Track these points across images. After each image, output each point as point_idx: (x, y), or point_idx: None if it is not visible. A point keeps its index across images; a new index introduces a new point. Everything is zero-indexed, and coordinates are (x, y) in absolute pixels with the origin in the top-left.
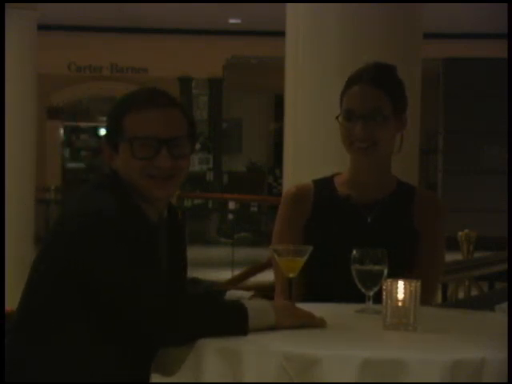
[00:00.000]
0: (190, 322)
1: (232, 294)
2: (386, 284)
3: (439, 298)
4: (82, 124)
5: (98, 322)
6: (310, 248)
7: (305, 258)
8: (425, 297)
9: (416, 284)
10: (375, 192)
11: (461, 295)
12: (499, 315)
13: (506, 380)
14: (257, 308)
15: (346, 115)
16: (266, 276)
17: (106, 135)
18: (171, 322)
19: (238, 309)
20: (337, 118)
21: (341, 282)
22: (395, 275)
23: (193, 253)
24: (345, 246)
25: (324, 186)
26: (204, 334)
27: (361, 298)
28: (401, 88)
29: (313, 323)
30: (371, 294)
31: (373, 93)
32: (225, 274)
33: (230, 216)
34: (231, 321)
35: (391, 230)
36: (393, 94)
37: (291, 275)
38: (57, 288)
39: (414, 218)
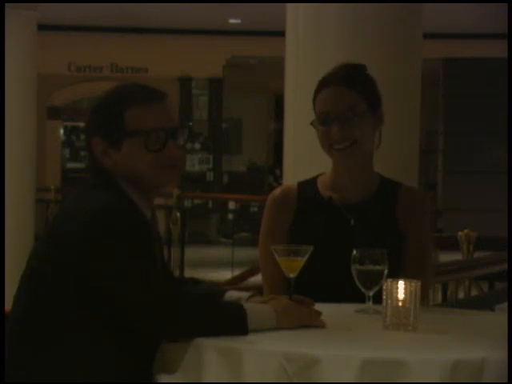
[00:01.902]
0: (190, 322)
1: (232, 294)
2: (386, 284)
3: (439, 297)
4: (82, 124)
5: (99, 322)
6: (311, 248)
7: (305, 258)
8: None
9: (416, 284)
10: (358, 192)
11: (461, 295)
12: (499, 315)
13: (506, 380)
14: (258, 312)
15: (320, 119)
16: None
17: (99, 131)
18: (172, 320)
19: (237, 312)
20: (311, 123)
21: (329, 283)
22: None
23: (193, 253)
24: (329, 249)
25: (307, 187)
26: (203, 335)
27: (351, 298)
28: (372, 85)
29: (313, 324)
30: (371, 294)
31: (343, 93)
32: (225, 274)
33: (230, 216)
34: (231, 324)
35: (375, 231)
36: (364, 91)
37: (291, 275)
38: (58, 288)
39: (398, 216)
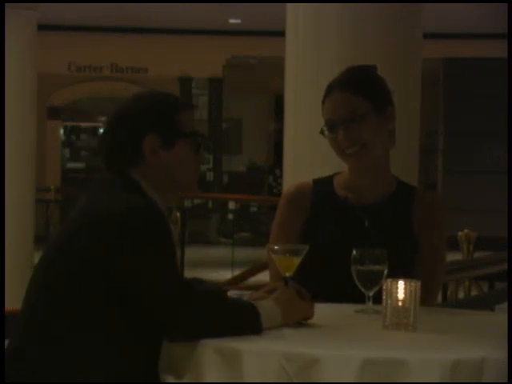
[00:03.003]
0: (203, 322)
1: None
2: (386, 284)
3: (439, 297)
4: (82, 124)
5: (102, 322)
6: (306, 247)
7: (301, 257)
8: (426, 301)
9: (416, 284)
10: (374, 193)
11: (461, 295)
12: (499, 315)
13: (506, 380)
14: (265, 309)
15: (327, 127)
16: (266, 276)
17: (153, 130)
18: (187, 319)
19: (251, 312)
20: (321, 132)
21: (337, 284)
22: (395, 277)
23: (193, 253)
24: (342, 249)
25: (323, 186)
26: (217, 333)
27: (359, 300)
28: (379, 84)
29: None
30: (371, 294)
31: (346, 97)
32: (225, 274)
33: (230, 216)
34: (245, 321)
35: (389, 234)
36: (368, 92)
37: (287, 274)
38: (64, 288)
39: (413, 220)
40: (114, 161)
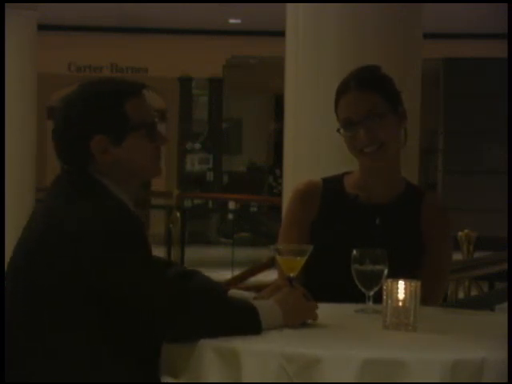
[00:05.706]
0: (201, 321)
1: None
2: (387, 284)
3: None
4: None
5: (102, 322)
6: (311, 247)
7: (305, 258)
8: (431, 300)
9: (416, 284)
10: (383, 193)
11: (461, 295)
12: (499, 315)
13: (506, 380)
14: (265, 308)
15: (344, 126)
16: (266, 276)
17: (100, 129)
18: (184, 320)
19: (250, 311)
20: (337, 130)
21: (346, 282)
22: (399, 277)
23: (193, 253)
24: (351, 247)
25: (333, 184)
26: (216, 333)
27: (359, 300)
28: (389, 83)
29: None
30: (371, 293)
31: (362, 96)
32: (225, 274)
33: (230, 216)
34: (244, 322)
35: (397, 234)
36: (382, 90)
37: (292, 274)
38: (62, 290)
39: (421, 221)
40: (67, 159)
